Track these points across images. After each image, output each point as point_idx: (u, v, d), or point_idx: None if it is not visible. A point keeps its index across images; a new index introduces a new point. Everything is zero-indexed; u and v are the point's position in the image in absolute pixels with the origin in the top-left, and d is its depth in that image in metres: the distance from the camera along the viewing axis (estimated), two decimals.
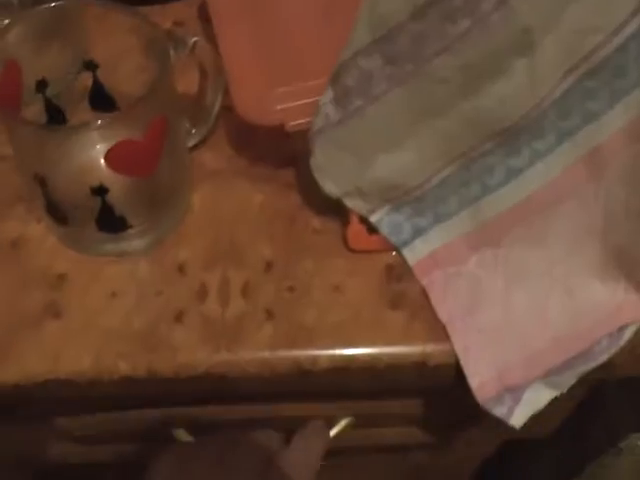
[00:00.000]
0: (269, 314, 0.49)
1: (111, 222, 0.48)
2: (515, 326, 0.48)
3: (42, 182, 0.47)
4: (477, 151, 0.46)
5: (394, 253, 0.52)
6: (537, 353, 0.48)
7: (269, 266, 0.51)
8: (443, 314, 0.49)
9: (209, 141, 0.56)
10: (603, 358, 0.48)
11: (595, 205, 0.46)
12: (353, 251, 0.51)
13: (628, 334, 0.48)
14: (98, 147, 0.46)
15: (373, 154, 0.47)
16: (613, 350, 0.48)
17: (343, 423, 0.63)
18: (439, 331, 0.49)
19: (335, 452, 0.59)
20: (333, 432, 0.61)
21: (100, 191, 0.47)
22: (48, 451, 0.68)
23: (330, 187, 0.49)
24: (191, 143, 0.54)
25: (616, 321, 0.46)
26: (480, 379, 0.48)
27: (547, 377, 0.49)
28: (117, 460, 0.72)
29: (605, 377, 0.52)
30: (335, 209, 0.51)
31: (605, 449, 0.75)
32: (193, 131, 0.54)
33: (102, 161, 0.44)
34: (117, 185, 0.47)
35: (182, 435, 0.62)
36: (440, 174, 0.48)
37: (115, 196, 0.47)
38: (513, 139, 0.46)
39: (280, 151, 0.55)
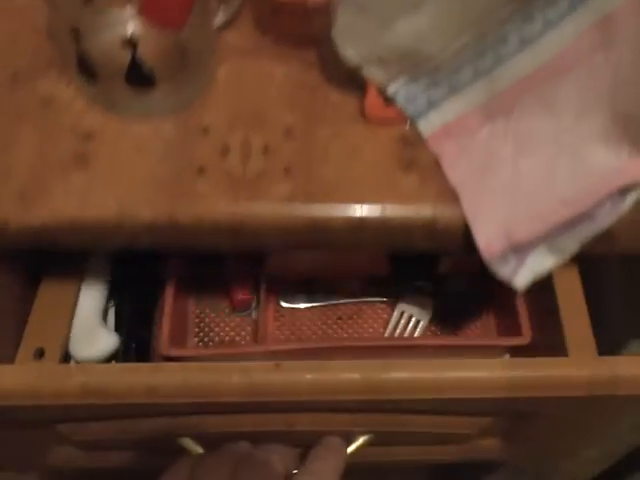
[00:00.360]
0: (287, 171, 0.51)
1: (140, 76, 0.51)
2: (522, 189, 0.50)
3: (76, 36, 0.49)
4: (492, 17, 0.49)
5: (409, 124, 0.53)
6: (542, 212, 0.50)
7: (289, 131, 0.53)
8: (454, 178, 0.51)
9: (235, 22, 0.58)
10: (605, 222, 0.50)
11: (605, 72, 0.49)
12: (370, 121, 0.53)
13: (630, 200, 0.50)
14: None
15: (393, 17, 0.49)
16: (615, 215, 0.50)
17: (361, 440, 0.62)
18: (449, 194, 0.51)
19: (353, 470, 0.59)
20: (350, 449, 0.60)
21: (131, 43, 0.49)
22: (51, 455, 0.70)
23: (350, 54, 0.51)
24: (218, 21, 0.56)
25: (618, 180, 0.49)
26: (487, 237, 0.50)
27: (551, 240, 0.51)
28: (122, 467, 0.74)
29: (606, 251, 0.54)
30: (354, 83, 0.53)
31: None
32: (220, 10, 0.56)
33: (135, 15, 0.47)
34: (148, 40, 0.50)
35: (189, 444, 0.61)
36: (456, 42, 0.50)
37: (145, 51, 0.49)
38: (526, 5, 0.48)
39: (302, 32, 0.57)
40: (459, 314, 0.73)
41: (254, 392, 0.55)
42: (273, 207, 0.51)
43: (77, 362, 0.65)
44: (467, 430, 0.64)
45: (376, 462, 0.72)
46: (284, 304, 0.73)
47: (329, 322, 0.73)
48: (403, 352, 0.64)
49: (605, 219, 0.50)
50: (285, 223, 0.51)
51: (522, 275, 0.51)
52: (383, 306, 0.73)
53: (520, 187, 0.50)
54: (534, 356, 0.57)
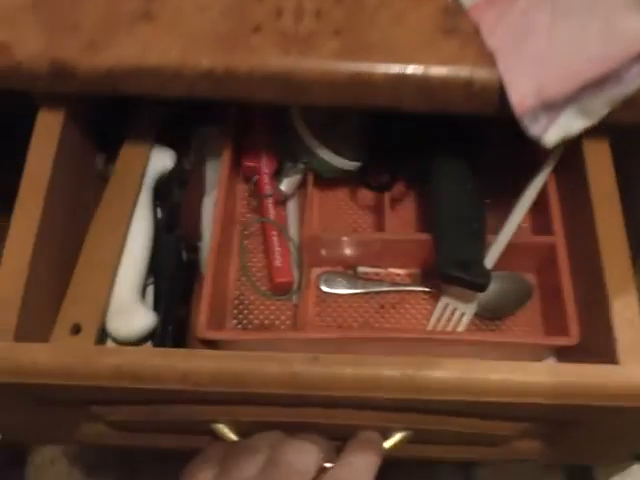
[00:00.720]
0: (337, 33, 0.56)
1: None
2: (556, 53, 0.54)
3: None
4: None
5: None
6: (572, 70, 0.53)
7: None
8: (492, 43, 0.55)
9: None
10: (632, 85, 0.54)
11: None
12: None
13: None
14: None
15: None
16: None
17: (398, 437, 0.60)
18: (487, 58, 0.55)
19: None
20: (387, 445, 0.58)
21: None
22: (82, 431, 0.69)
23: None
24: None
25: None
26: (520, 94, 0.54)
27: (580, 101, 0.54)
28: (154, 446, 0.73)
29: (635, 120, 0.57)
30: None
31: None
32: None
33: None
34: None
35: (223, 430, 0.60)
36: None
37: None
38: None
39: None
40: (505, 309, 0.71)
41: (291, 385, 0.53)
42: (321, 62, 0.55)
43: (114, 339, 0.64)
44: (507, 432, 0.61)
45: (414, 457, 0.68)
46: (325, 289, 0.70)
47: (371, 310, 0.70)
48: (445, 345, 0.64)
49: (632, 82, 0.53)
50: (331, 77, 0.55)
51: (552, 133, 0.55)
52: (427, 297, 0.70)
53: (553, 52, 0.54)
54: (583, 354, 0.58)
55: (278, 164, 0.72)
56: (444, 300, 0.68)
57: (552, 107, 0.54)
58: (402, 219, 0.73)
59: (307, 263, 0.67)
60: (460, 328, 0.68)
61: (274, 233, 0.71)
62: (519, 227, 0.66)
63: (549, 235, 0.65)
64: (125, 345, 0.61)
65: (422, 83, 0.55)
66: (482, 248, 0.64)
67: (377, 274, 0.71)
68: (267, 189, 0.72)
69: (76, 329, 0.58)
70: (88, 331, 0.59)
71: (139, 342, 0.63)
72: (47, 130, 0.60)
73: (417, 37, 0.56)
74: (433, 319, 0.68)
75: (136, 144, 0.68)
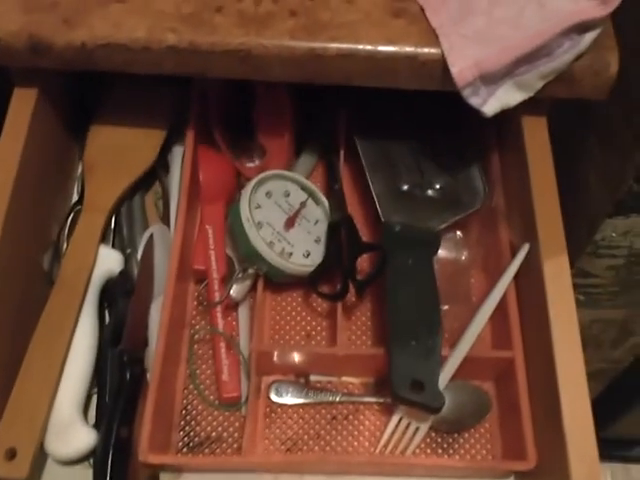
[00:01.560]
0: (293, 13, 0.61)
1: None
2: (494, 31, 0.59)
3: None
4: None
5: None
6: (509, 46, 0.58)
7: None
8: (435, 22, 0.60)
9: None
10: (563, 60, 0.59)
11: None
12: None
13: (587, 40, 0.58)
14: None
15: None
16: (572, 54, 0.58)
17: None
18: (431, 36, 0.60)
19: None
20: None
21: None
22: None
23: None
24: None
25: (574, 19, 0.57)
26: (460, 67, 0.59)
27: (517, 76, 0.59)
28: None
29: (567, 95, 0.62)
30: None
31: None
32: None
33: None
34: None
35: None
36: None
37: None
38: None
39: None
40: (462, 423, 0.68)
41: None
42: (277, 40, 0.60)
43: (53, 459, 0.62)
44: None
45: None
46: (275, 399, 0.67)
47: (323, 422, 0.67)
48: (398, 467, 0.64)
49: (563, 57, 0.58)
50: (287, 54, 0.59)
51: (491, 104, 0.60)
52: (381, 408, 0.67)
53: (492, 30, 0.59)
54: (540, 476, 0.59)
55: (228, 268, 0.71)
56: (398, 414, 0.65)
57: (490, 80, 0.59)
58: (357, 325, 0.72)
59: (256, 372, 0.64)
60: (414, 443, 0.65)
61: (222, 345, 0.69)
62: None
63: (508, 350, 0.64)
64: (65, 464, 0.61)
65: (370, 57, 0.59)
66: (437, 367, 0.63)
67: (330, 382, 0.69)
68: (216, 296, 0.70)
69: (11, 453, 0.57)
70: (24, 455, 0.57)
71: (79, 461, 0.62)
72: (21, 106, 0.65)
73: (367, 18, 0.60)
74: (386, 433, 0.66)
75: (82, 245, 0.69)
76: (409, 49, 0.59)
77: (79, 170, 0.77)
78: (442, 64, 0.59)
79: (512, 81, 0.59)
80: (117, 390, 0.63)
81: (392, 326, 0.65)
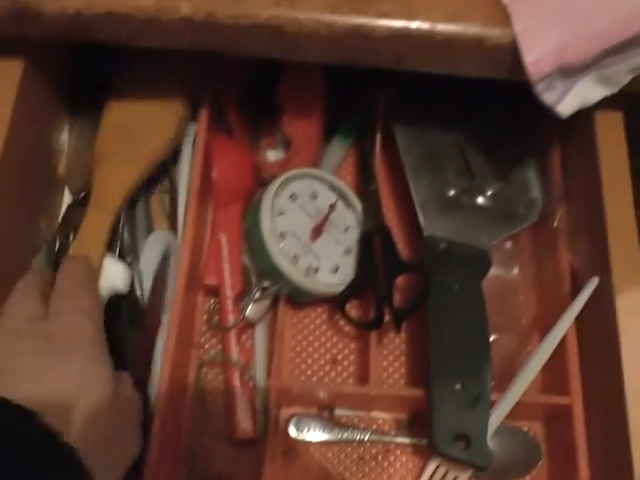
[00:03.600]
0: None
1: None
2: (578, 11, 0.48)
3: None
4: None
5: None
6: (595, 33, 0.48)
7: None
8: None
9: None
10: None
11: None
12: None
13: None
14: None
15: None
16: None
17: None
18: (500, 13, 0.49)
19: None
20: None
21: None
22: None
23: None
24: None
25: None
26: (536, 55, 0.48)
27: (601, 68, 0.48)
28: None
29: None
30: None
31: None
32: None
33: None
34: None
35: None
36: None
37: None
38: None
39: None
40: (508, 472, 0.59)
41: None
42: (315, 13, 0.49)
43: None
44: None
45: None
46: (295, 435, 0.59)
47: (348, 462, 0.59)
48: None
49: None
50: (326, 31, 0.48)
51: (568, 102, 0.49)
52: (415, 450, 0.59)
53: (575, 9, 0.48)
54: None
55: (244, 282, 0.61)
56: (435, 460, 0.57)
57: (570, 72, 0.48)
58: (392, 358, 0.63)
59: (275, 404, 0.57)
60: None
61: (236, 375, 0.60)
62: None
63: (564, 395, 0.56)
64: None
65: (426, 38, 0.49)
66: (485, 417, 0.54)
67: (357, 417, 0.61)
68: (230, 318, 0.60)
69: None
70: None
71: None
72: (6, 78, 0.54)
73: None
74: None
75: (87, 249, 0.58)
76: (474, 29, 0.49)
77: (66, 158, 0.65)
78: (513, 50, 0.48)
79: (595, 74, 0.48)
80: None
81: (434, 366, 0.55)
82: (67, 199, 0.63)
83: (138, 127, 0.62)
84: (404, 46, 0.50)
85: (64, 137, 0.65)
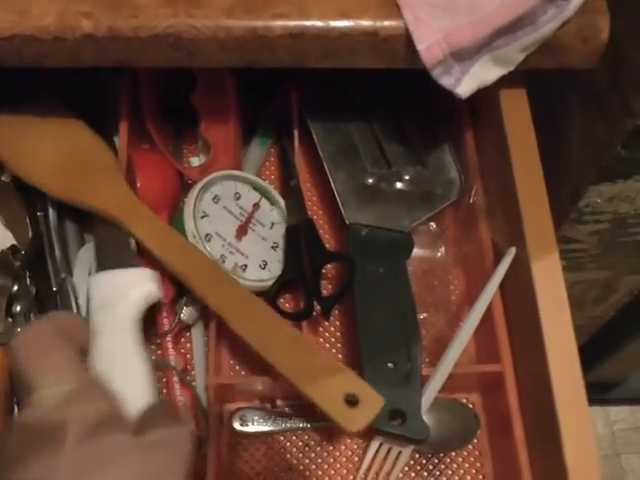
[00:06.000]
0: None
1: None
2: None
3: None
4: None
5: None
6: (484, 16, 0.50)
7: None
8: None
9: None
10: (547, 29, 0.50)
11: None
12: None
13: (574, 5, 0.50)
14: None
15: None
16: (557, 21, 0.50)
17: None
18: (391, 7, 0.51)
19: None
20: None
21: None
22: None
23: None
24: None
25: None
26: (428, 42, 0.50)
27: (494, 49, 0.50)
28: None
29: (552, 65, 0.54)
30: None
31: None
32: None
33: None
34: None
35: None
36: None
37: None
38: None
39: None
40: (448, 444, 0.61)
41: None
42: (212, 20, 0.50)
43: None
44: None
45: None
46: (240, 428, 0.59)
47: (294, 450, 0.60)
48: None
49: (547, 25, 0.50)
50: (223, 34, 0.50)
51: (466, 84, 0.51)
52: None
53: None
54: None
55: (176, 290, 0.60)
56: (377, 439, 0.58)
57: (464, 56, 0.50)
58: (326, 345, 0.64)
59: (216, 401, 0.58)
60: (397, 468, 0.58)
61: (175, 380, 0.60)
62: None
63: (495, 363, 0.58)
64: None
65: (322, 35, 0.51)
66: (418, 391, 0.56)
67: (299, 405, 0.61)
68: (165, 323, 0.60)
69: None
70: None
71: None
72: None
73: None
74: (366, 460, 0.58)
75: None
76: (367, 23, 0.51)
77: None
78: (407, 39, 0.51)
79: (489, 55, 0.51)
80: None
81: (365, 348, 0.57)
82: None
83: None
84: (301, 44, 0.51)
85: None
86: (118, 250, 0.57)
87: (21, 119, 0.62)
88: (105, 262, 0.57)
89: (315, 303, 0.59)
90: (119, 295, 0.54)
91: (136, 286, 0.55)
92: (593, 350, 1.11)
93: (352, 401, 0.50)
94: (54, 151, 0.61)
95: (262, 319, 0.55)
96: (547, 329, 0.52)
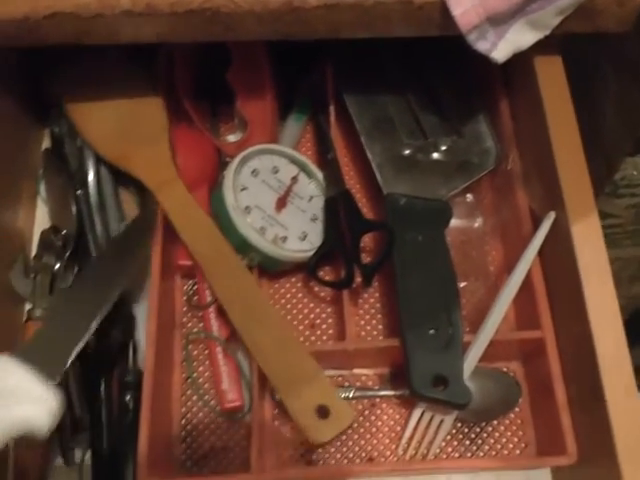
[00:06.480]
0: None
1: None
2: None
3: None
4: None
5: None
6: None
7: None
8: None
9: None
10: None
11: None
12: None
13: None
14: None
15: None
16: None
17: None
18: None
19: None
20: None
21: None
22: None
23: None
24: None
25: None
26: (463, 8, 0.50)
27: (530, 13, 0.51)
28: None
29: (587, 30, 0.54)
30: None
31: None
32: None
33: None
34: None
35: None
36: None
37: None
38: None
39: None
40: (490, 412, 0.61)
41: None
42: None
43: None
44: None
45: None
46: None
47: None
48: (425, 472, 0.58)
49: None
50: (260, 8, 0.51)
51: (502, 48, 0.51)
52: (400, 401, 0.61)
53: None
54: (581, 467, 0.53)
55: None
56: (420, 407, 0.59)
57: (499, 21, 0.50)
58: (367, 314, 0.65)
59: (259, 374, 0.57)
60: (439, 437, 0.59)
61: (219, 349, 0.61)
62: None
63: (536, 329, 0.58)
64: None
65: (358, 6, 0.51)
66: (459, 357, 0.56)
67: (341, 377, 0.62)
68: (207, 295, 0.62)
69: None
70: None
71: None
72: None
73: None
74: (408, 429, 0.59)
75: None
76: None
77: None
78: (442, 6, 0.51)
79: (524, 20, 0.51)
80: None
81: (406, 315, 0.57)
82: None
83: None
84: (337, 15, 0.52)
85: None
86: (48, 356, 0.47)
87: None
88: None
89: (356, 274, 0.60)
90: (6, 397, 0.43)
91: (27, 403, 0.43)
92: (627, 333, 1.10)
93: (323, 412, 0.52)
94: (115, 114, 0.64)
95: (261, 315, 0.57)
96: (589, 292, 0.52)
